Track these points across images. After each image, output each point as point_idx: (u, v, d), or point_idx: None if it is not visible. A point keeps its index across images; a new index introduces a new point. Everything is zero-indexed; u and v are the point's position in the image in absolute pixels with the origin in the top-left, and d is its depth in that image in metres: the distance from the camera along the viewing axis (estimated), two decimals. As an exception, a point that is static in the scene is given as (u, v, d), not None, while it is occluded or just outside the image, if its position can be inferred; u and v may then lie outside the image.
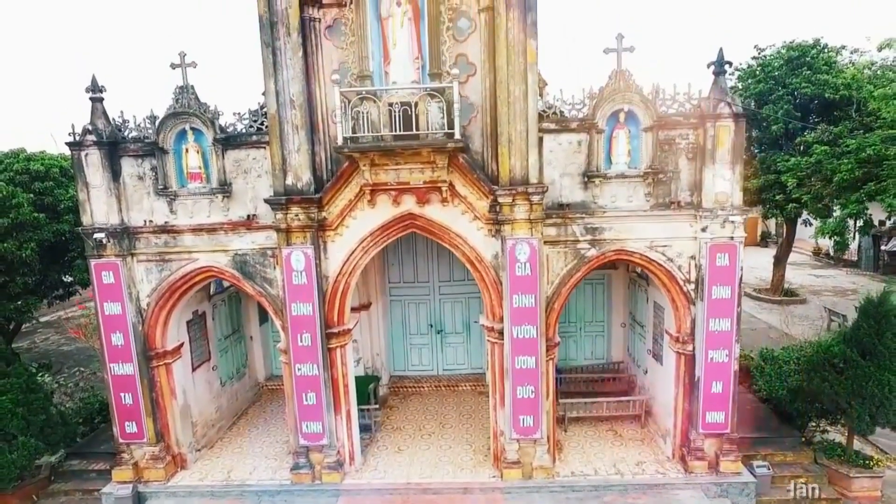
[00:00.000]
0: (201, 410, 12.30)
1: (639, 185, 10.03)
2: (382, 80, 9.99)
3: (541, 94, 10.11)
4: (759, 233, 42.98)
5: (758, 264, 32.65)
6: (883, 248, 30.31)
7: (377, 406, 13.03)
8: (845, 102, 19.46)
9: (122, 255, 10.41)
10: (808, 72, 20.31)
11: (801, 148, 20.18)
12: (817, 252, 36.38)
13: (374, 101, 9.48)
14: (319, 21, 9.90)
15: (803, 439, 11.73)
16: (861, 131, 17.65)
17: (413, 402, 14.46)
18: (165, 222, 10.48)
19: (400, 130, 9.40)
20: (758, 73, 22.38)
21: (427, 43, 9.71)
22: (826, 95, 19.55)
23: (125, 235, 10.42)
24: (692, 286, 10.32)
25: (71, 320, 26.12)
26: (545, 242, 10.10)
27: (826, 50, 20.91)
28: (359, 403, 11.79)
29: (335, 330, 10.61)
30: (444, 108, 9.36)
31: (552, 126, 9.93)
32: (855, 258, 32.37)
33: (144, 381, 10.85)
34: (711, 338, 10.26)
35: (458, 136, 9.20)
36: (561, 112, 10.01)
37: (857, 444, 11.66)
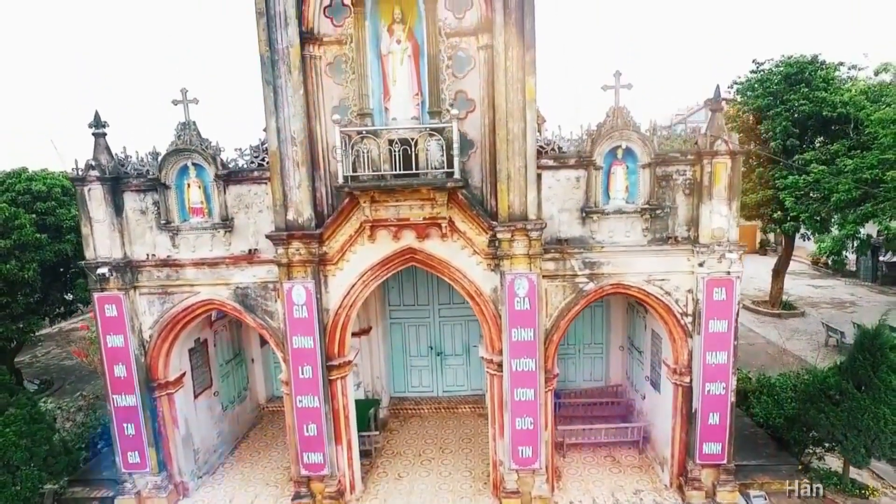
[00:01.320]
0: (203, 437, 12.40)
1: (636, 220, 10.13)
2: (383, 115, 10.09)
3: (539, 131, 10.20)
4: (758, 241, 43.05)
5: (756, 274, 32.71)
6: (881, 258, 30.40)
7: (377, 432, 13.12)
8: (843, 120, 19.54)
9: (124, 288, 10.51)
10: (806, 89, 20.40)
11: (799, 162, 20.28)
12: (816, 261, 36.45)
13: (375, 139, 9.57)
14: (320, 59, 10.00)
15: (800, 466, 11.82)
16: (859, 151, 17.73)
17: (413, 424, 14.56)
18: (168, 256, 10.58)
19: (400, 167, 9.50)
20: (756, 87, 22.48)
21: (427, 80, 9.79)
22: (824, 113, 19.64)
23: (128, 269, 10.52)
24: (689, 319, 10.42)
25: (72, 333, 26.28)
26: (544, 276, 10.20)
27: (823, 67, 20.99)
28: (359, 428, 11.89)
29: (336, 362, 10.71)
30: (444, 145, 9.45)
31: (551, 163, 10.03)
32: (854, 268, 32.44)
33: (147, 412, 10.95)
34: (708, 370, 10.36)
35: (457, 175, 9.30)
36: (559, 148, 10.10)
37: (854, 470, 11.76)
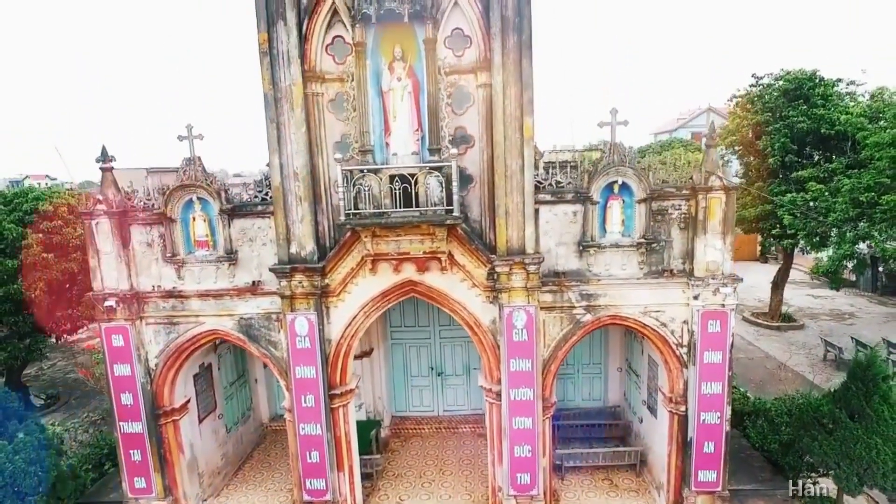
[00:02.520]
0: (208, 460, 12.63)
1: (632, 253, 10.32)
2: (384, 150, 10.30)
3: (536, 166, 10.38)
4: (758, 249, 43.08)
5: (757, 283, 32.75)
6: (881, 269, 30.49)
7: (379, 455, 13.34)
8: (841, 137, 19.68)
9: (131, 318, 10.74)
10: (805, 106, 20.55)
11: (798, 178, 20.43)
12: (816, 270, 36.49)
13: (376, 175, 9.78)
14: (322, 95, 10.20)
15: (795, 491, 11.98)
16: (856, 170, 17.87)
17: (414, 444, 14.77)
18: (173, 287, 10.80)
19: (400, 203, 9.71)
20: (755, 101, 22.65)
21: (426, 117, 9.99)
22: (822, 131, 19.78)
23: (134, 300, 10.75)
24: (685, 350, 10.61)
25: (79, 343, 26.54)
26: (542, 308, 10.40)
27: (822, 83, 21.11)
28: (360, 449, 12.10)
29: (338, 391, 10.93)
30: (443, 181, 9.65)
31: (548, 197, 10.22)
32: (854, 278, 32.51)
33: (153, 439, 11.18)
34: (704, 400, 10.55)
35: (456, 212, 9.50)
36: (557, 183, 10.30)
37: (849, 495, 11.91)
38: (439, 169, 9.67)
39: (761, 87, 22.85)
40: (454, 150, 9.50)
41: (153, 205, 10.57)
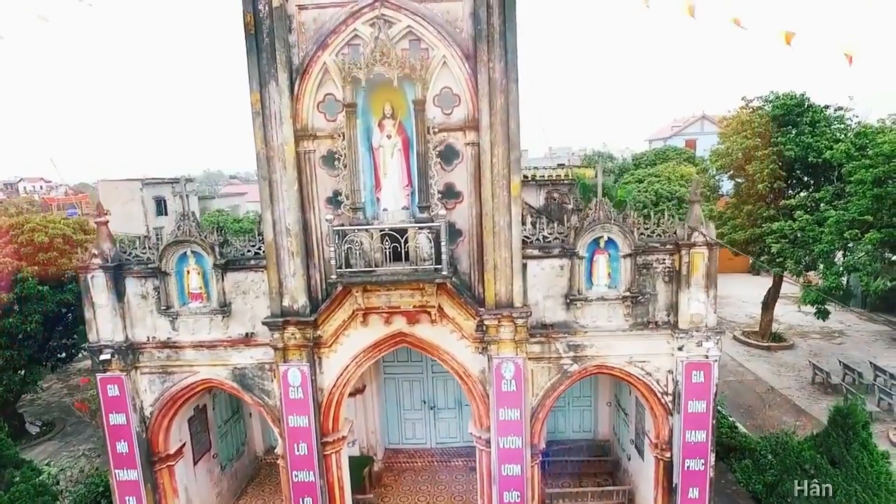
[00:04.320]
0: (203, 500, 12.80)
1: (618, 305, 10.55)
2: (374, 205, 10.50)
3: (524, 221, 10.60)
4: (750, 261, 43.40)
5: (749, 298, 33.04)
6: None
7: (371, 494, 13.54)
8: (827, 166, 19.98)
9: (126, 369, 10.91)
10: (794, 132, 20.85)
11: (786, 206, 20.74)
12: (804, 300, 36.80)
13: (367, 231, 9.98)
14: (314, 152, 10.39)
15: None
16: (842, 200, 18.17)
17: (407, 478, 14.97)
18: (168, 338, 10.98)
19: (390, 258, 9.92)
20: (745, 125, 22.94)
21: (416, 174, 10.19)
22: (809, 159, 20.08)
23: (129, 351, 10.92)
24: (670, 398, 10.85)
25: (74, 365, 26.59)
26: (530, 358, 10.63)
27: (810, 110, 21.42)
28: (353, 486, 12.27)
29: (330, 438, 11.13)
30: (433, 237, 9.86)
31: (536, 252, 10.45)
32: (846, 287, 32.83)
33: (148, 486, 11.35)
34: (688, 448, 10.79)
35: (445, 271, 9.70)
36: (545, 237, 10.52)
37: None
38: (429, 226, 9.87)
39: (750, 109, 23.19)
40: (442, 212, 9.71)
41: (148, 259, 10.74)
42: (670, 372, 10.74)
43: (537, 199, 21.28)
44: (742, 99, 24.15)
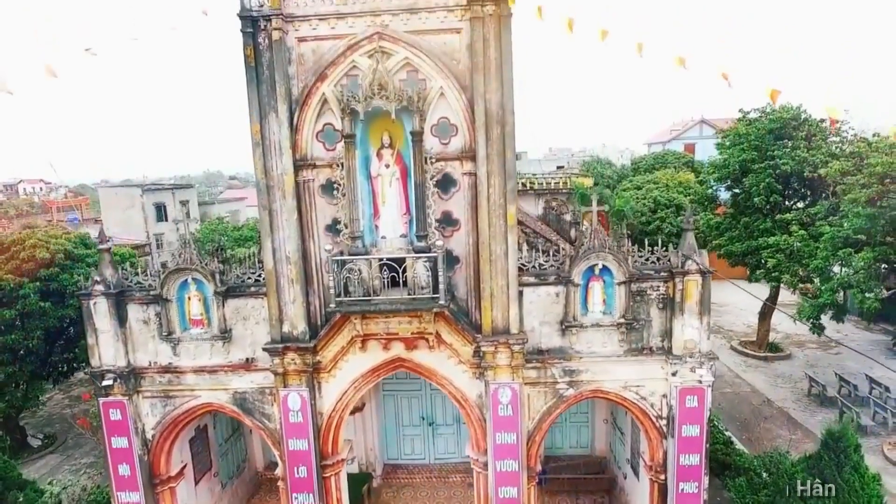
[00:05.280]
0: (204, 520, 12.97)
1: (613, 332, 10.71)
2: (373, 232, 10.66)
3: (520, 248, 10.75)
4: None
5: (747, 306, 32.92)
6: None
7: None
8: (823, 182, 20.11)
9: (128, 394, 11.07)
10: (790, 145, 20.99)
11: (782, 220, 20.88)
12: (799, 314, 36.90)
13: (365, 260, 10.14)
14: (313, 181, 10.55)
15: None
16: (837, 217, 18.30)
17: (406, 494, 15.12)
18: (169, 363, 11.14)
19: (388, 285, 10.07)
20: (741, 138, 23.08)
21: (414, 204, 10.34)
22: (805, 174, 20.23)
23: (131, 376, 11.08)
24: (664, 422, 11.00)
25: (76, 375, 26.72)
26: (526, 383, 10.79)
27: (806, 124, 21.56)
28: (352, 503, 12.40)
29: (329, 461, 11.30)
30: (430, 266, 10.01)
31: (532, 279, 10.60)
32: (841, 301, 32.98)
33: (150, 508, 11.51)
34: (682, 471, 10.95)
35: (442, 300, 9.84)
36: (540, 265, 10.68)
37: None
38: (427, 256, 10.01)
39: (747, 121, 23.34)
40: (440, 241, 9.86)
41: (149, 286, 10.89)
42: (664, 396, 10.90)
43: (536, 207, 21.49)
44: (739, 111, 24.34)
